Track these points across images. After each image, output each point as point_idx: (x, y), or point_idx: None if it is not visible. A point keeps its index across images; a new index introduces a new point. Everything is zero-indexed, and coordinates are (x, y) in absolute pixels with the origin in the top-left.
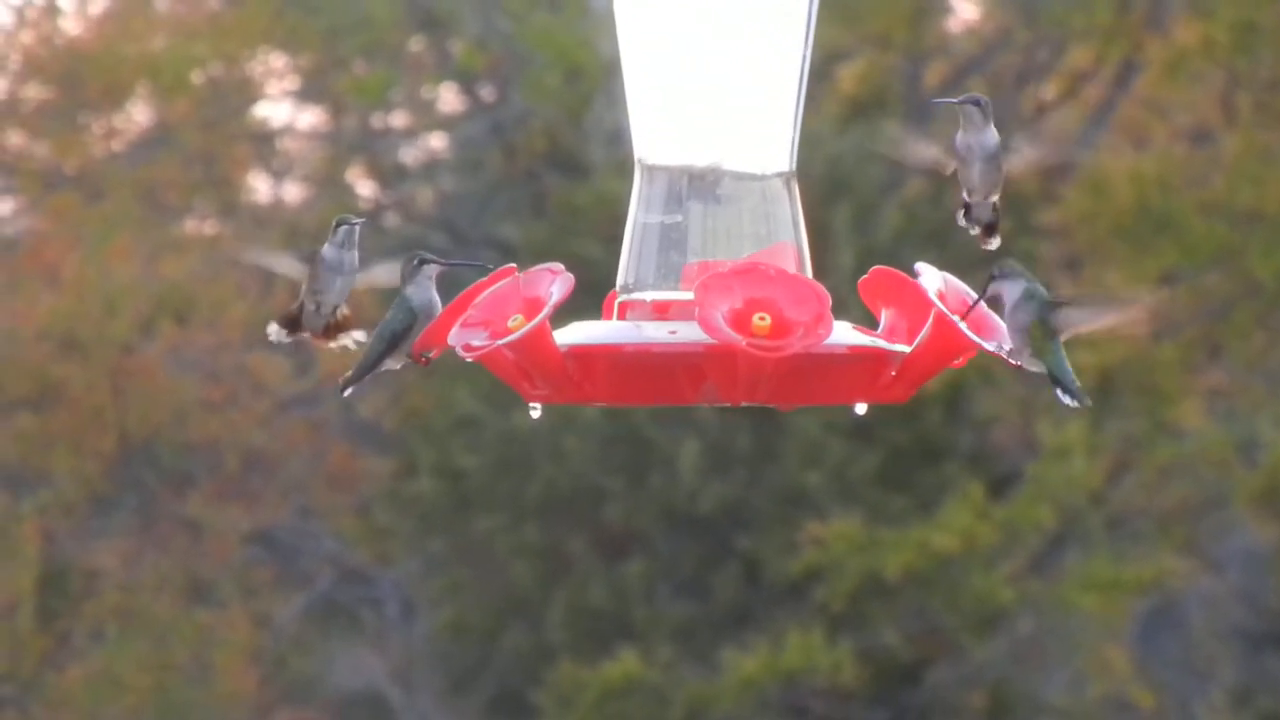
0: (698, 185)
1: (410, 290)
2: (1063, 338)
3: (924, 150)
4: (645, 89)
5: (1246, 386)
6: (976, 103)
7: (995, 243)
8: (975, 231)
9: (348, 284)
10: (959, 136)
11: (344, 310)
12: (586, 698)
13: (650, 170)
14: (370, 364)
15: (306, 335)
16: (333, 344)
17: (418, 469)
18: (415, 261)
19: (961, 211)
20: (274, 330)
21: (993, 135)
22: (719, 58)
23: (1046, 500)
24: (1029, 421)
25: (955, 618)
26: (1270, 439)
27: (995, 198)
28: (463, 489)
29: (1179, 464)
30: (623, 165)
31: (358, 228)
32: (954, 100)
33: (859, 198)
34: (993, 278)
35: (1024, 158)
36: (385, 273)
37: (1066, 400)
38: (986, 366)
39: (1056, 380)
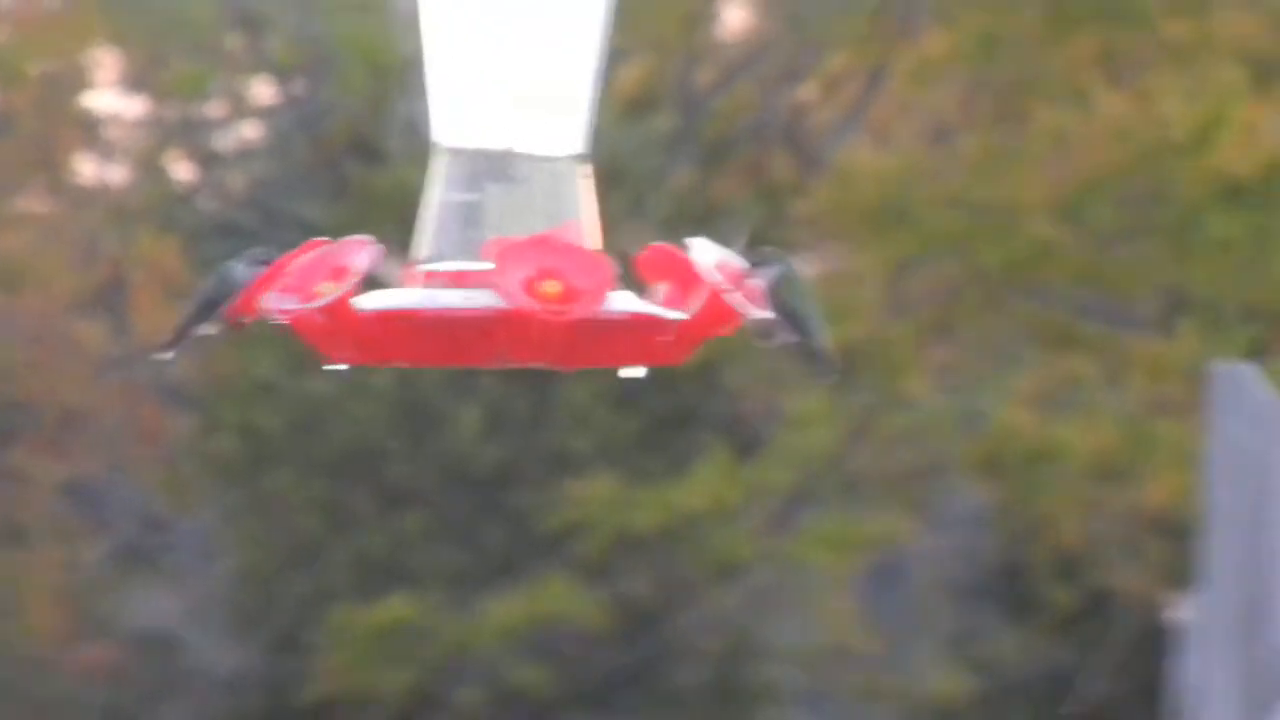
0: (493, 167)
1: (232, 262)
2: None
3: None
4: (445, 75)
5: (972, 362)
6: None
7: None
8: None
9: None
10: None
11: None
12: (359, 637)
13: (450, 152)
14: (185, 328)
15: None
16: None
17: (220, 427)
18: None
19: None
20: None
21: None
22: (516, 47)
23: (787, 464)
24: (774, 393)
25: (699, 570)
26: (991, 410)
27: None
28: (259, 447)
29: (908, 432)
30: (418, 155)
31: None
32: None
33: (633, 187)
34: (753, 265)
35: None
36: None
37: (816, 372)
38: (736, 343)
39: (808, 354)
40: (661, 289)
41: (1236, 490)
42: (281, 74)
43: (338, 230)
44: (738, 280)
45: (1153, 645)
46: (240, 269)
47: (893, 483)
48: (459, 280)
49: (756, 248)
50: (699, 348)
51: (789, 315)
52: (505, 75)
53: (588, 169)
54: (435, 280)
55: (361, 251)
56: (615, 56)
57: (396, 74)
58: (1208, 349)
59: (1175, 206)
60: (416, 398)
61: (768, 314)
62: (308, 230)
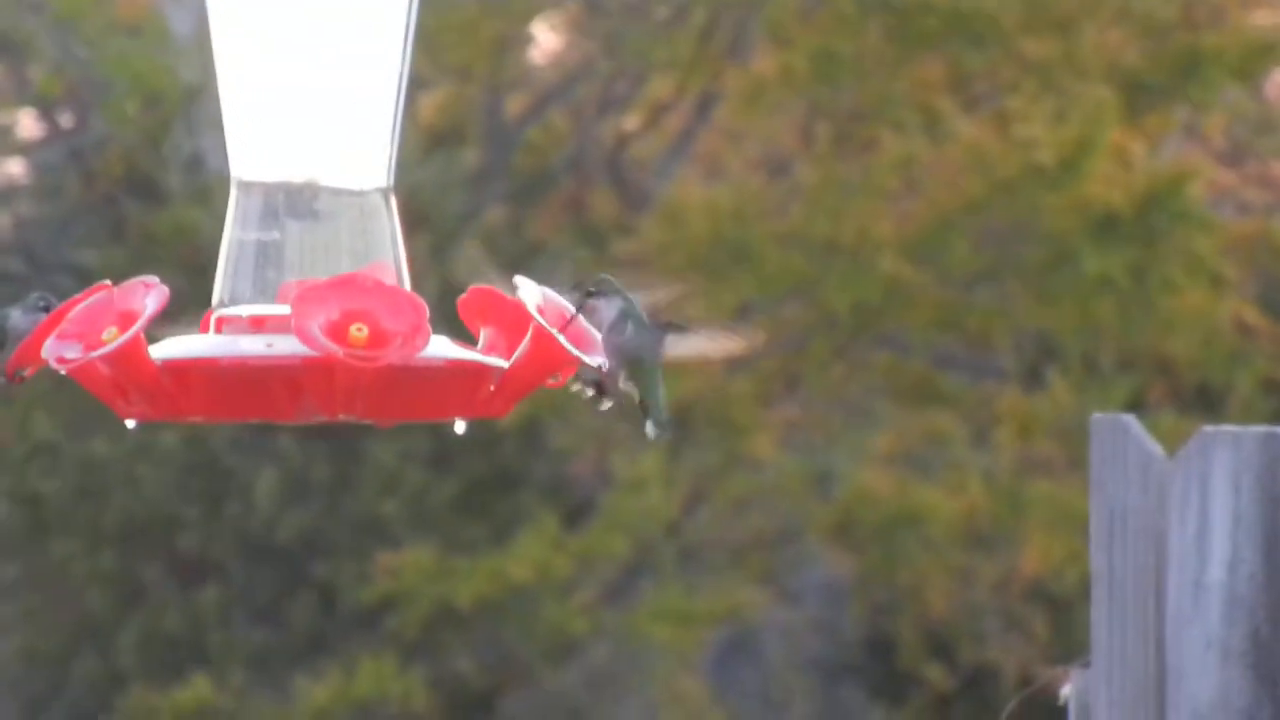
0: (294, 201)
1: (8, 310)
2: (658, 362)
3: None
4: (240, 103)
5: (822, 419)
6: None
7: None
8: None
9: None
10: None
11: None
12: None
13: (246, 187)
14: None
15: None
16: None
17: None
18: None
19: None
20: None
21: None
22: (313, 73)
23: (621, 531)
24: (605, 453)
25: (529, 646)
26: (844, 472)
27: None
28: (39, 515)
29: (754, 496)
30: (201, 193)
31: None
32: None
33: (439, 226)
34: (589, 294)
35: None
36: None
37: (649, 430)
38: (562, 399)
39: (645, 406)
40: (484, 334)
41: (1126, 555)
42: (47, 105)
43: (114, 275)
44: (565, 323)
45: None
46: (17, 317)
47: (738, 551)
48: (258, 325)
49: (589, 278)
50: (524, 399)
51: (632, 358)
52: (304, 101)
53: (394, 204)
54: (232, 326)
55: (149, 294)
56: (414, 83)
57: (176, 104)
58: (1082, 402)
59: (1042, 242)
60: (208, 459)
61: (601, 360)
62: (80, 275)
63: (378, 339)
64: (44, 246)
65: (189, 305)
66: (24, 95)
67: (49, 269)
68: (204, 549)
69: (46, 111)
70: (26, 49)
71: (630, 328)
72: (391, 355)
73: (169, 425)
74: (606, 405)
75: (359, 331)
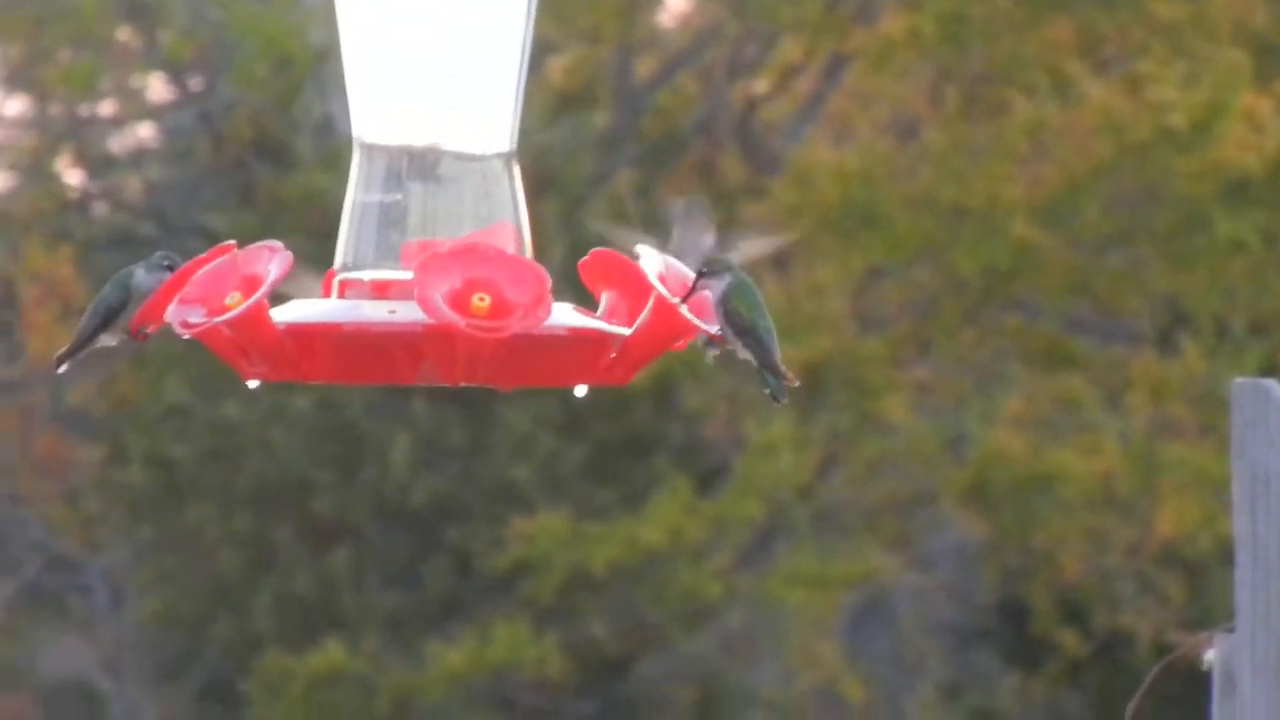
0: (417, 165)
1: (133, 268)
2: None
3: None
4: (363, 67)
5: (953, 382)
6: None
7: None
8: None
9: None
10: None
11: None
12: (294, 687)
13: (369, 149)
14: (84, 339)
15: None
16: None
17: (127, 457)
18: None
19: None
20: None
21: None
22: (438, 36)
23: (755, 494)
24: (737, 416)
25: (663, 611)
26: (976, 435)
27: None
28: (173, 477)
29: (887, 459)
30: (330, 157)
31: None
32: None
33: (567, 190)
34: (700, 275)
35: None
36: None
37: (769, 393)
38: (694, 361)
39: (762, 371)
40: (605, 297)
41: (1269, 519)
42: (177, 68)
43: (244, 239)
44: (686, 291)
45: (1173, 692)
46: (141, 275)
47: (871, 514)
48: (381, 290)
49: (706, 260)
50: (647, 366)
51: (741, 330)
52: (428, 65)
53: (516, 169)
54: (355, 290)
55: (273, 258)
56: (543, 46)
57: (306, 66)
58: (1214, 367)
59: (1173, 206)
60: (341, 423)
61: (718, 328)
62: (210, 239)
63: (500, 309)
64: (174, 210)
65: (317, 270)
66: (154, 59)
67: (179, 232)
68: (338, 513)
69: (176, 75)
70: (157, 12)
71: (737, 300)
72: (514, 326)
73: (302, 388)
74: (712, 356)
75: (481, 301)
